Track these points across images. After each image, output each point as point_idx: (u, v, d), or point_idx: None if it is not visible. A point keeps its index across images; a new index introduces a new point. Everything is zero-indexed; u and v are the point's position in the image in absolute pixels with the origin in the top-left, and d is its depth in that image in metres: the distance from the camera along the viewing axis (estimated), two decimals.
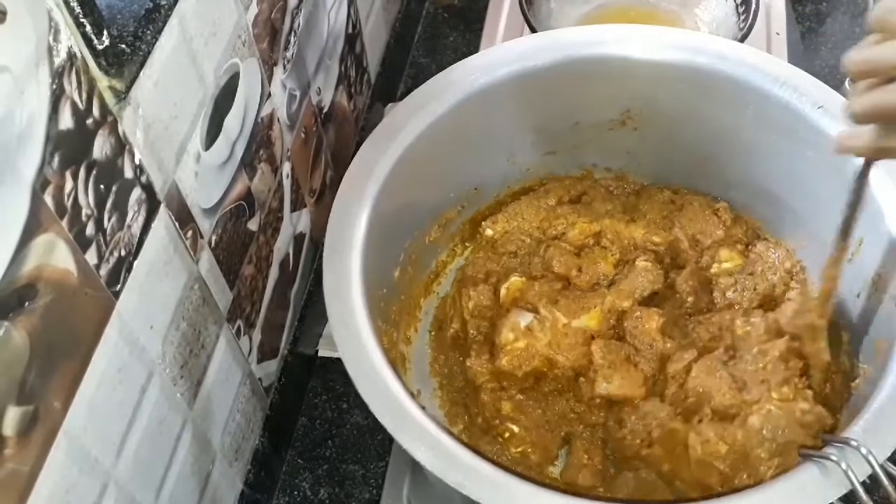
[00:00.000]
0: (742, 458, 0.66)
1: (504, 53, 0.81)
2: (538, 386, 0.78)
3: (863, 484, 0.56)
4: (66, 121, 0.48)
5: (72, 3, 0.48)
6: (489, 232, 0.88)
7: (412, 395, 0.63)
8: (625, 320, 0.79)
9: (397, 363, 0.77)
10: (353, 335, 0.65)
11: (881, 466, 0.56)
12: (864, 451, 0.57)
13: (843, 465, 0.56)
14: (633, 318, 0.78)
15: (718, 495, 0.64)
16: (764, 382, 0.69)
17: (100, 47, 0.51)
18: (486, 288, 0.82)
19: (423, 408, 0.63)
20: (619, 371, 0.75)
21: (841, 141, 0.59)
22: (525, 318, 0.78)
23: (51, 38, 0.47)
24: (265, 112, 0.76)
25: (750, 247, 0.84)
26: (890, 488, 0.55)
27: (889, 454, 0.58)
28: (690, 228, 0.86)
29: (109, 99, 0.53)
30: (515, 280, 0.81)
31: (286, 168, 0.83)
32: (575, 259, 0.84)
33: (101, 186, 0.53)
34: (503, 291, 0.81)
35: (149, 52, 0.56)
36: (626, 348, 0.77)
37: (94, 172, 0.52)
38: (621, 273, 0.83)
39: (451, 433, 0.62)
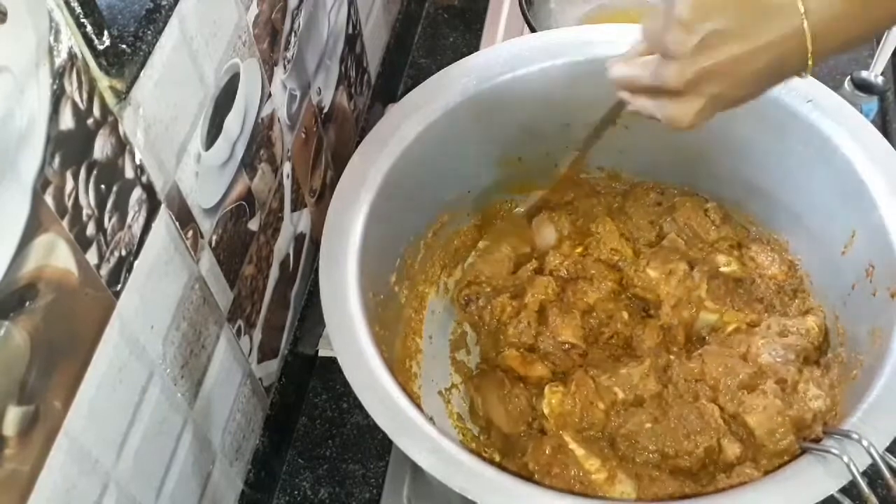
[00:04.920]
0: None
1: (496, 56, 0.82)
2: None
3: (863, 475, 0.56)
4: (66, 121, 0.48)
5: (72, 4, 0.48)
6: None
7: (412, 400, 0.63)
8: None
9: (398, 370, 0.77)
10: (351, 343, 0.65)
11: (882, 458, 0.56)
12: (865, 443, 0.57)
13: (845, 458, 0.57)
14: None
15: (721, 490, 0.65)
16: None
17: (100, 47, 0.51)
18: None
19: (429, 418, 0.63)
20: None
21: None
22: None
23: (51, 39, 0.47)
24: (265, 112, 0.76)
25: (743, 250, 0.84)
26: (891, 480, 0.55)
27: (888, 444, 0.59)
28: (686, 232, 0.86)
29: (110, 99, 0.53)
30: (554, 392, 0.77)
31: (286, 168, 0.83)
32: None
33: (102, 186, 0.53)
34: (545, 409, 0.76)
35: (149, 53, 0.56)
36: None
37: (95, 172, 0.52)
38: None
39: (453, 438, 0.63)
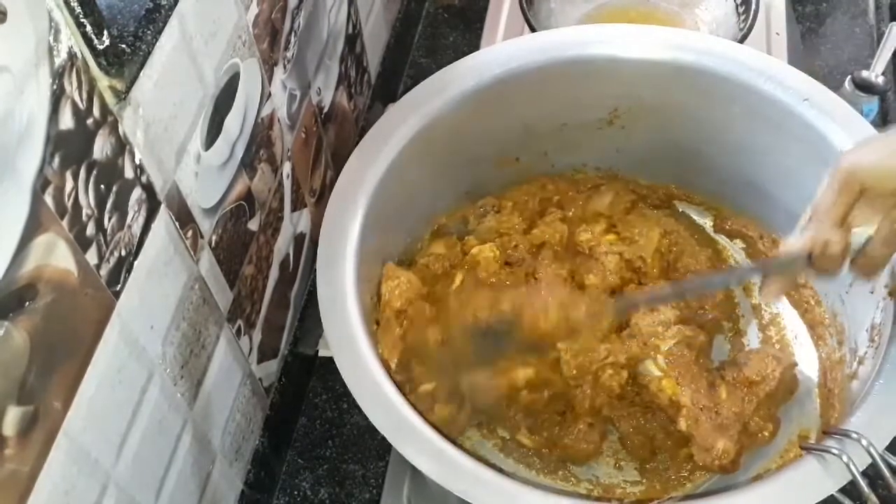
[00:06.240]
0: None
1: (493, 56, 0.82)
2: None
3: (863, 474, 0.56)
4: (66, 121, 0.48)
5: (72, 3, 0.48)
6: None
7: (412, 405, 0.63)
8: None
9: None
10: (350, 347, 0.65)
11: (881, 457, 0.56)
12: (864, 442, 0.57)
13: (845, 458, 0.57)
14: None
15: (719, 492, 0.65)
16: None
17: (100, 47, 0.51)
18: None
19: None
20: None
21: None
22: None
23: (51, 38, 0.47)
24: (265, 112, 0.76)
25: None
26: (891, 480, 0.55)
27: (888, 443, 0.59)
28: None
29: (110, 99, 0.53)
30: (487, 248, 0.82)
31: (286, 168, 0.83)
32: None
33: (102, 186, 0.53)
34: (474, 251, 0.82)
35: (149, 52, 0.56)
36: None
37: (95, 172, 0.52)
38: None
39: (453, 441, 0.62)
